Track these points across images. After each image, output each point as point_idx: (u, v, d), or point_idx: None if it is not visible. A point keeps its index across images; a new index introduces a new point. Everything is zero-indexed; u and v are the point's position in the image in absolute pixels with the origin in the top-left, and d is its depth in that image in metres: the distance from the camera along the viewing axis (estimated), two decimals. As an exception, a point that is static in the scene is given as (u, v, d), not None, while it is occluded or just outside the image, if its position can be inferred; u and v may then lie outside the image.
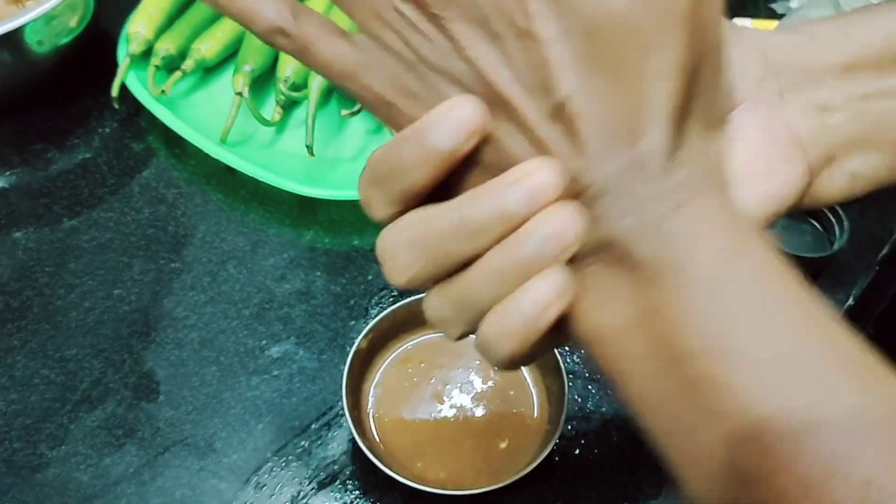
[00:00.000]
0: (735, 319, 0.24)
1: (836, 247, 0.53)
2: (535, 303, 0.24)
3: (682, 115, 0.24)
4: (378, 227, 0.48)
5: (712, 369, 0.23)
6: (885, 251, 0.56)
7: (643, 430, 0.26)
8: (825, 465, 0.22)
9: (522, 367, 0.47)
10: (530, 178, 0.24)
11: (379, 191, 0.26)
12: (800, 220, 0.56)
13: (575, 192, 0.24)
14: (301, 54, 0.26)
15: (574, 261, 0.25)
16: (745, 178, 0.28)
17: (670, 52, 0.23)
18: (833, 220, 0.54)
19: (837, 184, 0.31)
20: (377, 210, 0.26)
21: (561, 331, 0.26)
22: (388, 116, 0.26)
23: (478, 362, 0.47)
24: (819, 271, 0.54)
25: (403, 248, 0.25)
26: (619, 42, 0.23)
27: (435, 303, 0.27)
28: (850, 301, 0.54)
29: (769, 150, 0.29)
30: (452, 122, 0.24)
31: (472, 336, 0.27)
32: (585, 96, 0.23)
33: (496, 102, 0.24)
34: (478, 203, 0.24)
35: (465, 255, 0.25)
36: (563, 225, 0.24)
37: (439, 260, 0.25)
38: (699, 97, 0.25)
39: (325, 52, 0.25)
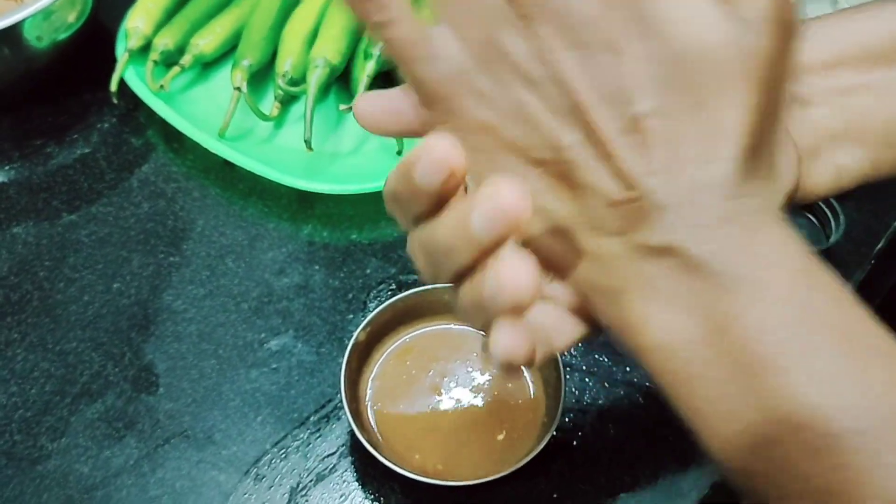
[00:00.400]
0: (811, 337, 0.25)
1: (832, 241, 0.53)
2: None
3: (753, 152, 0.25)
4: (374, 222, 0.48)
5: (787, 382, 0.25)
6: (880, 245, 0.57)
7: (700, 435, 0.27)
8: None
9: (520, 360, 0.48)
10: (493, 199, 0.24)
11: (396, 210, 0.28)
12: (796, 214, 0.56)
13: (633, 199, 0.25)
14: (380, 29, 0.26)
15: (630, 259, 0.26)
16: None
17: (751, 91, 0.24)
18: (829, 214, 0.55)
19: (824, 177, 0.32)
20: (401, 224, 0.28)
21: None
22: (451, 111, 0.26)
23: (475, 355, 0.48)
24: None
25: (417, 254, 0.28)
26: (703, 71, 0.24)
27: (454, 295, 0.28)
28: (846, 294, 0.54)
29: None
30: (430, 160, 0.25)
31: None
32: (663, 114, 0.24)
33: (571, 111, 0.25)
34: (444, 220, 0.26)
35: (455, 257, 0.26)
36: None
37: (438, 262, 0.27)
38: (768, 140, 0.26)
39: (397, 31, 0.25)
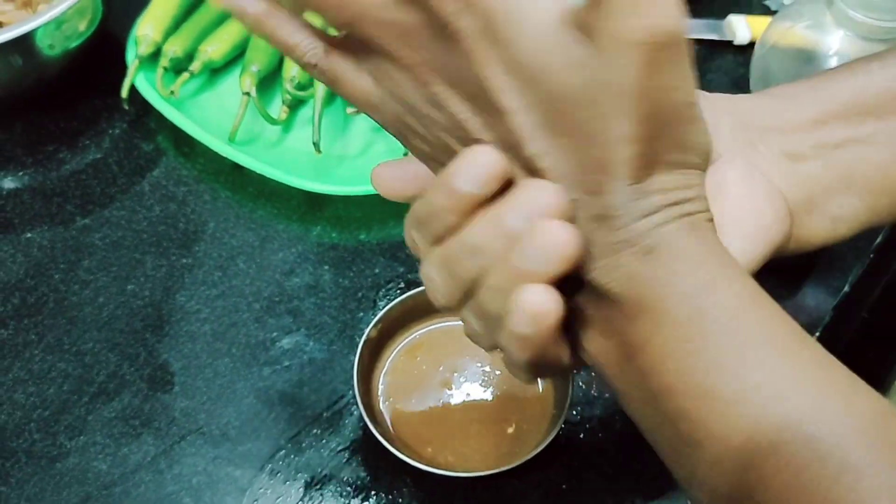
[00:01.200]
0: (707, 356, 0.26)
1: (831, 235, 0.54)
2: (523, 313, 0.26)
3: (646, 170, 0.26)
4: (381, 222, 0.49)
5: (686, 405, 0.26)
6: (879, 239, 0.58)
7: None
8: (808, 462, 0.24)
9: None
10: (531, 202, 0.26)
11: (420, 233, 0.29)
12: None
13: None
14: (330, 85, 0.29)
15: (572, 295, 0.27)
16: (732, 220, 0.30)
17: (625, 119, 0.25)
18: (828, 209, 0.56)
19: (819, 227, 0.33)
20: (421, 250, 0.29)
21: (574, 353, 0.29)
22: (403, 142, 0.30)
23: (484, 350, 0.49)
24: (815, 259, 0.55)
25: (434, 273, 0.29)
26: (577, 112, 0.25)
27: (466, 318, 0.30)
28: (846, 288, 0.55)
29: (752, 193, 0.31)
30: (473, 168, 0.26)
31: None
32: (550, 156, 0.26)
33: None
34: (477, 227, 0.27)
35: (475, 272, 0.28)
36: (558, 239, 0.26)
37: (458, 279, 0.28)
38: (668, 150, 0.26)
39: (350, 86, 0.29)
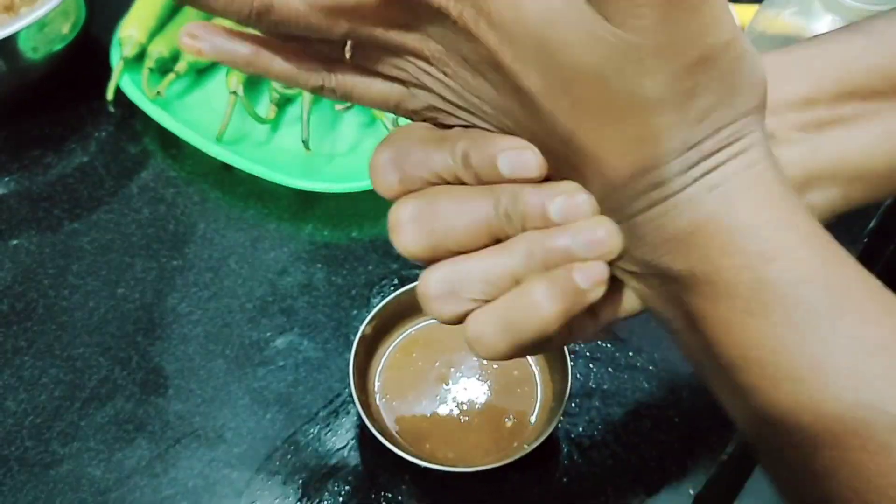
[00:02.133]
0: (771, 331, 0.24)
1: (823, 221, 0.54)
2: (587, 279, 0.26)
3: (691, 130, 0.24)
4: (373, 219, 0.48)
5: (754, 381, 0.25)
6: (871, 224, 0.58)
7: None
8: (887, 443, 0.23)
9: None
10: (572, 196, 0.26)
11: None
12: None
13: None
14: (347, 98, 0.28)
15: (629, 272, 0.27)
16: None
17: (656, 82, 0.23)
18: (820, 195, 0.56)
19: None
20: (387, 188, 0.28)
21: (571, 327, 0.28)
22: (436, 123, 0.28)
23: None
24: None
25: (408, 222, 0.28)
26: (603, 88, 0.24)
27: (436, 276, 0.28)
28: (840, 273, 0.55)
29: None
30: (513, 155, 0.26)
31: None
32: (585, 138, 0.24)
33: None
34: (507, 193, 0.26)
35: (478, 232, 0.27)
36: (606, 235, 0.26)
37: (448, 235, 0.27)
38: (713, 103, 0.24)
39: (366, 94, 0.28)
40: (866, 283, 0.25)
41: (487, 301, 0.27)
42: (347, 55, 0.27)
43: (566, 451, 0.47)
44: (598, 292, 0.26)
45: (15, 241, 0.55)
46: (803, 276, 0.24)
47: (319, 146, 0.58)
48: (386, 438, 0.43)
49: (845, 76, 0.32)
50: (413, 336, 0.49)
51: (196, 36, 0.26)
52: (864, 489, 0.23)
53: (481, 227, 0.27)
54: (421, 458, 0.43)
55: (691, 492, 0.46)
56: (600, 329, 0.29)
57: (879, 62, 0.32)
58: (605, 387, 0.50)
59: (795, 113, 0.32)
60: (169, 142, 0.60)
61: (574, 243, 0.26)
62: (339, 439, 0.47)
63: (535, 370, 0.48)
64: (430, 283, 0.28)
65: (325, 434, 0.47)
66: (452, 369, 0.48)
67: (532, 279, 0.26)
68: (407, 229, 0.28)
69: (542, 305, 0.26)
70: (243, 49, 0.27)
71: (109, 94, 0.59)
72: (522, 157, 0.26)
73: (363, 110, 0.60)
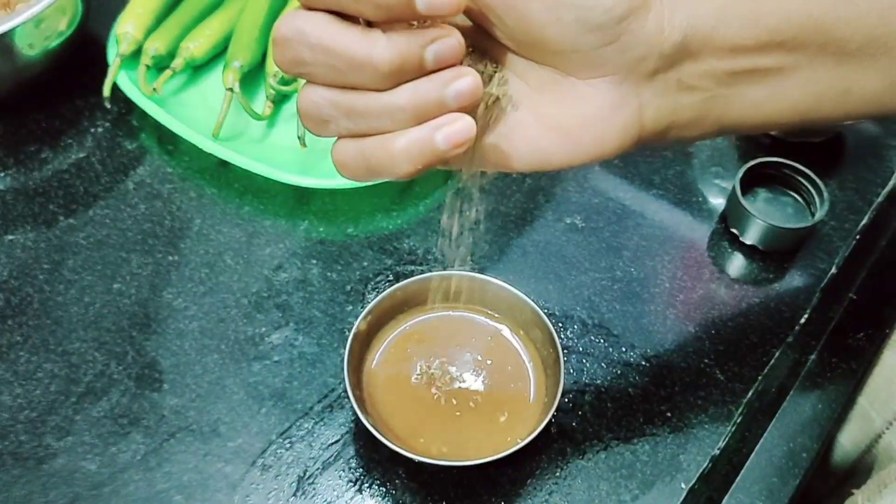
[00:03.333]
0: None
1: (817, 218, 0.55)
2: (447, 139, 0.29)
3: None
4: (369, 216, 0.48)
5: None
6: (864, 221, 0.58)
7: None
8: None
9: (518, 345, 0.49)
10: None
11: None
12: (782, 192, 0.58)
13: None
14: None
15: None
16: (574, 129, 0.32)
17: None
18: (814, 192, 0.56)
19: (664, 142, 0.34)
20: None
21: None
22: None
23: (475, 340, 0.49)
24: (802, 241, 0.56)
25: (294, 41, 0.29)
26: None
27: (312, 97, 0.31)
28: (833, 270, 0.55)
29: (609, 119, 0.32)
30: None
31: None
32: None
33: None
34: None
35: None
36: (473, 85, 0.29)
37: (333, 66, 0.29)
38: None
39: None
40: None
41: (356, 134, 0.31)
42: None
43: (559, 445, 0.47)
44: (456, 153, 0.29)
45: (10, 236, 0.55)
46: None
47: (315, 142, 0.59)
48: (380, 433, 0.43)
49: (783, 24, 0.32)
50: (408, 331, 0.49)
51: None
52: None
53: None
54: (415, 453, 0.43)
55: (684, 486, 0.46)
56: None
57: (815, 13, 0.32)
58: (598, 382, 0.50)
59: (717, 60, 0.32)
60: (165, 138, 0.60)
61: (446, 93, 0.29)
62: (334, 434, 0.47)
63: (529, 366, 0.48)
64: (306, 101, 0.31)
65: (320, 428, 0.48)
66: (446, 364, 0.48)
67: (398, 133, 0.29)
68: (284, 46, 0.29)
69: (399, 158, 0.29)
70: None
71: (106, 91, 0.59)
72: None
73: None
